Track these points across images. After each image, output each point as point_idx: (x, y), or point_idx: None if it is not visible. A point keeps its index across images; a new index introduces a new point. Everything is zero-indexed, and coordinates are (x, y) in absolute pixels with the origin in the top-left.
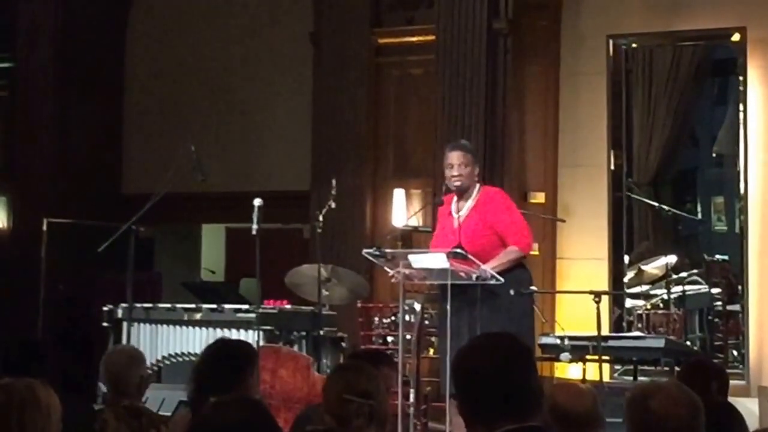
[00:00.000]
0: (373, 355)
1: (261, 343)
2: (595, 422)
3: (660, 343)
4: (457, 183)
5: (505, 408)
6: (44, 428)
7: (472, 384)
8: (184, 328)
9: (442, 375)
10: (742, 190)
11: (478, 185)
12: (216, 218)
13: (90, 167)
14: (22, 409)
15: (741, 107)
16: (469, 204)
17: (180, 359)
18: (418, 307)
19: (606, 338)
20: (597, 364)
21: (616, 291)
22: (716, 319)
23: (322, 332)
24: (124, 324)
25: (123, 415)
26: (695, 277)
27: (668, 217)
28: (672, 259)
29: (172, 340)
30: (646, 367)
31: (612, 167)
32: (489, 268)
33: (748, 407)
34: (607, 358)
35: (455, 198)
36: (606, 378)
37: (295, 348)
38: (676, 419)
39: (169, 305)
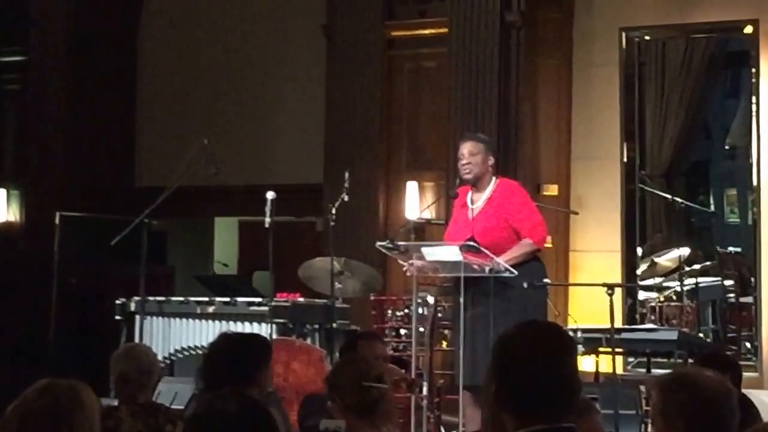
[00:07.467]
0: (352, 335)
1: (274, 336)
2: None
3: (673, 335)
4: (467, 172)
5: (541, 402)
6: (91, 430)
7: (512, 371)
8: (196, 321)
9: (456, 367)
10: (754, 182)
11: (494, 178)
12: (229, 211)
13: (102, 160)
14: (69, 412)
15: (753, 99)
16: (484, 196)
17: (193, 352)
18: (431, 299)
19: (619, 330)
20: (610, 357)
21: (629, 283)
22: (729, 312)
23: (335, 325)
24: (137, 317)
25: (139, 413)
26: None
27: (681, 209)
28: (685, 251)
29: (184, 334)
30: (659, 360)
31: (625, 159)
32: (502, 260)
33: (761, 399)
34: (620, 350)
35: (471, 190)
36: (619, 370)
37: (308, 341)
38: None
39: (181, 298)
